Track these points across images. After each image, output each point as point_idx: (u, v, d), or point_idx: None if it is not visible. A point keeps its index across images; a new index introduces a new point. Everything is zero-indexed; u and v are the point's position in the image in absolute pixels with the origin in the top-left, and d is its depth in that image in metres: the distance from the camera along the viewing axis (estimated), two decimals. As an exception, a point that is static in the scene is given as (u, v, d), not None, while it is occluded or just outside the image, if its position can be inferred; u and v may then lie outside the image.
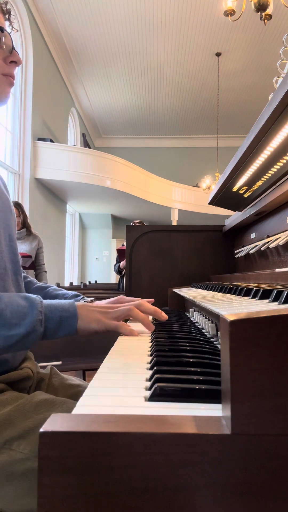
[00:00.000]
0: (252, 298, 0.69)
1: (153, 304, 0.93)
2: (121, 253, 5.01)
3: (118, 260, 5.14)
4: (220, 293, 0.96)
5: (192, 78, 8.69)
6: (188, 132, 11.65)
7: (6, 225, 0.86)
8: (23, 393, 0.77)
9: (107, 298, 0.94)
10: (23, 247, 3.38)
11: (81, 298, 0.97)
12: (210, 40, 7.34)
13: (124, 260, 4.88)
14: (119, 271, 5.11)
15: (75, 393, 0.88)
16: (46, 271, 3.66)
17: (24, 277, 1.06)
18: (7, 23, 0.86)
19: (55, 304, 0.71)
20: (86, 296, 0.99)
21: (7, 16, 0.86)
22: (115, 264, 5.26)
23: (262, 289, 0.66)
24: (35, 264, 3.51)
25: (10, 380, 0.77)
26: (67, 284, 8.19)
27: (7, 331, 0.64)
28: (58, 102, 8.15)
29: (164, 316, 0.81)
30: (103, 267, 11.05)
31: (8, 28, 0.85)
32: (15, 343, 0.65)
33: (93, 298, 0.97)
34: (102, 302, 0.92)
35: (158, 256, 1.78)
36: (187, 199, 10.02)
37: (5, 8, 0.85)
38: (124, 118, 10.74)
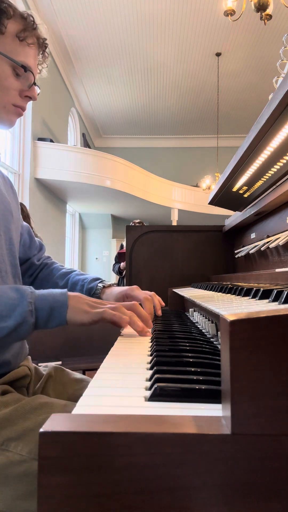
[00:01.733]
0: (252, 298, 0.69)
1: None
2: (121, 255, 5.01)
3: (118, 260, 5.14)
4: (220, 293, 0.96)
5: (192, 78, 8.68)
6: (188, 132, 11.65)
7: (6, 228, 0.87)
8: (24, 395, 0.77)
9: None
10: None
11: (100, 282, 0.98)
12: (210, 40, 7.34)
13: (124, 261, 4.88)
14: (119, 272, 5.11)
15: (83, 387, 0.90)
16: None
17: (50, 263, 1.07)
18: (40, 56, 0.89)
19: (46, 294, 0.70)
20: (110, 282, 1.00)
21: (41, 50, 0.88)
22: (114, 265, 5.25)
23: (262, 289, 0.66)
24: None
25: (9, 380, 0.78)
26: (67, 284, 8.18)
27: None
28: (58, 102, 8.14)
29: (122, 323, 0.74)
30: (103, 267, 11.05)
31: (38, 61, 0.88)
32: (7, 335, 0.65)
33: (112, 283, 0.99)
34: (117, 289, 0.94)
35: (158, 256, 1.78)
36: (187, 199, 10.01)
37: (42, 44, 0.88)
38: (124, 118, 10.73)
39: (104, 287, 0.96)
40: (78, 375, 0.96)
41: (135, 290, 0.92)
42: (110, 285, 0.97)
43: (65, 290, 0.73)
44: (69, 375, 0.94)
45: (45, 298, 0.70)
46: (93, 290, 0.96)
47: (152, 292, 0.94)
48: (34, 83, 0.87)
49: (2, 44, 0.80)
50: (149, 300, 0.90)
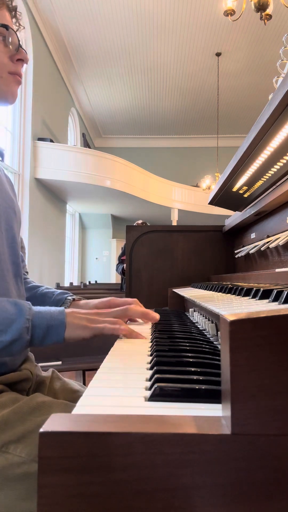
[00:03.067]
0: (252, 298, 0.69)
1: (153, 304, 0.93)
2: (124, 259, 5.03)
3: (121, 261, 5.14)
4: (220, 293, 0.96)
5: (192, 78, 8.68)
6: (188, 132, 11.65)
7: (9, 226, 0.86)
8: (22, 395, 0.76)
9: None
10: None
11: (69, 295, 0.96)
12: (210, 40, 7.34)
13: None
14: (123, 272, 5.11)
15: (75, 398, 0.88)
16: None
17: (24, 278, 1.06)
18: (13, 20, 0.84)
19: (44, 312, 0.70)
20: (79, 296, 0.99)
21: (13, 13, 0.83)
22: (117, 265, 5.25)
23: (262, 289, 0.66)
24: None
25: (9, 381, 0.77)
26: (67, 284, 8.19)
27: None
28: (58, 102, 8.14)
29: (153, 316, 0.76)
30: (103, 267, 11.05)
31: (14, 26, 0.83)
32: (0, 350, 0.65)
33: (80, 297, 0.97)
34: (93, 302, 0.92)
35: (158, 256, 1.78)
36: (187, 199, 10.01)
37: (11, 5, 0.83)
38: (124, 118, 10.74)
39: (74, 300, 0.95)
40: (74, 385, 0.93)
41: (116, 299, 0.90)
42: (80, 299, 0.96)
43: (63, 308, 0.73)
44: (63, 384, 0.92)
45: (43, 316, 0.69)
46: (61, 302, 0.94)
47: (135, 299, 0.91)
48: (20, 46, 0.82)
49: None
50: (136, 302, 0.89)
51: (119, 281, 6.96)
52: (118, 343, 0.68)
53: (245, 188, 1.23)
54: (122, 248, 5.43)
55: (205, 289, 1.21)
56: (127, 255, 1.79)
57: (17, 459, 0.61)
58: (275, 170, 1.00)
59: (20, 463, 0.61)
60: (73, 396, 0.89)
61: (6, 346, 0.65)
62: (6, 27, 0.79)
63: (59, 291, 1.00)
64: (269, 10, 3.40)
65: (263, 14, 3.41)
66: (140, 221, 4.91)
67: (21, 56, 0.82)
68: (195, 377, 0.42)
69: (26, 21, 6.31)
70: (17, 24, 0.85)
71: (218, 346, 0.64)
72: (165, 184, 9.65)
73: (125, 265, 4.99)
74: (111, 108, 10.21)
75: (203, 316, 0.96)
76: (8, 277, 0.83)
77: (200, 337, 0.70)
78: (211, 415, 0.32)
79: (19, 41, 0.82)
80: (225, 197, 1.41)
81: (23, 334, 0.66)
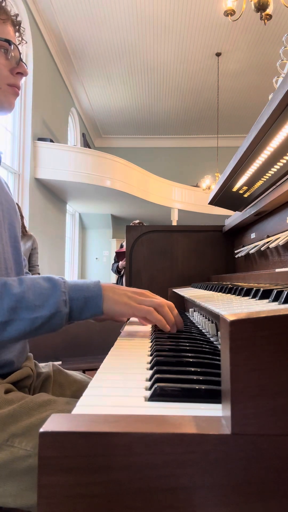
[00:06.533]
0: (252, 298, 0.69)
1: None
2: (119, 255, 5.02)
3: (116, 260, 5.14)
4: (220, 293, 0.96)
5: (192, 78, 8.68)
6: (188, 132, 11.65)
7: (11, 226, 0.88)
8: (25, 393, 0.77)
9: None
10: None
11: None
12: (210, 40, 7.34)
13: (123, 260, 4.88)
14: (117, 271, 5.11)
15: (81, 388, 0.89)
16: (39, 273, 3.61)
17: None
18: (17, 34, 0.87)
19: (80, 284, 0.70)
20: None
21: (16, 27, 0.87)
22: (113, 264, 5.25)
23: (262, 289, 0.66)
24: (28, 264, 3.50)
25: (13, 380, 0.79)
26: (67, 284, 8.18)
27: (31, 313, 0.64)
28: (58, 102, 8.14)
29: (166, 327, 0.73)
30: (103, 267, 11.04)
31: (17, 40, 0.87)
32: (41, 325, 0.65)
33: None
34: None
35: (158, 256, 1.77)
36: (187, 199, 10.01)
37: (15, 21, 0.87)
38: (124, 118, 10.73)
39: None
40: (77, 375, 0.96)
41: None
42: None
43: (98, 280, 0.72)
44: (67, 376, 0.94)
45: (79, 288, 0.69)
46: None
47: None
48: (21, 59, 0.86)
49: None
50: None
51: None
52: (119, 342, 0.68)
53: (245, 188, 1.23)
54: (121, 244, 5.43)
55: (205, 289, 1.21)
56: (127, 255, 1.79)
57: (22, 453, 0.62)
58: (275, 170, 1.00)
59: (25, 456, 0.62)
60: (78, 386, 0.90)
61: (46, 321, 0.65)
62: (9, 42, 0.82)
63: None
64: (269, 10, 3.40)
65: (263, 14, 3.41)
66: (136, 221, 4.89)
67: (21, 69, 0.85)
68: (195, 377, 0.42)
69: (26, 20, 6.30)
70: (20, 39, 0.89)
71: (218, 346, 0.64)
72: (165, 184, 9.65)
73: (119, 263, 4.99)
74: (111, 108, 10.20)
75: (203, 316, 0.96)
76: (12, 275, 0.84)
77: (200, 337, 0.70)
78: (211, 415, 0.32)
79: (20, 55, 0.86)
80: (225, 197, 1.41)
81: (61, 307, 0.66)
